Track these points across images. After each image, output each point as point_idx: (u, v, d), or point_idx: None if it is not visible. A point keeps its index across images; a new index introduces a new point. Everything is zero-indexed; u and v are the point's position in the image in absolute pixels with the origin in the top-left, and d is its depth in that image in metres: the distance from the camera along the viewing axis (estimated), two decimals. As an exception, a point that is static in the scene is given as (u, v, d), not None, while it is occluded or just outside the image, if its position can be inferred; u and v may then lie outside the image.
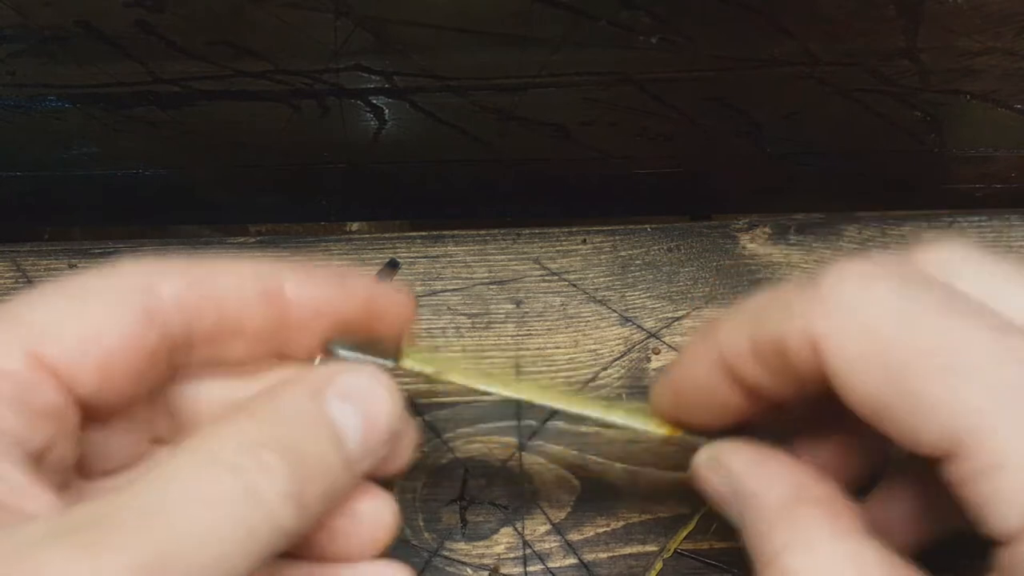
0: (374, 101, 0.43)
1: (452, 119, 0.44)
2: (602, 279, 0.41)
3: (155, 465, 0.22)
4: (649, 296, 0.41)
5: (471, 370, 0.30)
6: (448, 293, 0.41)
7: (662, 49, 0.39)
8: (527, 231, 0.42)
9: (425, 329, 0.40)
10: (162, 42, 0.39)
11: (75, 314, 0.24)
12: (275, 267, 0.27)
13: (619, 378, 0.39)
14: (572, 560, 0.35)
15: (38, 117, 0.43)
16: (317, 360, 0.28)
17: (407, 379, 0.30)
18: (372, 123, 0.44)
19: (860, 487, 0.29)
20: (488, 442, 0.37)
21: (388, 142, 0.45)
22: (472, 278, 0.41)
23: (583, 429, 0.37)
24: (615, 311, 0.40)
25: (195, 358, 0.27)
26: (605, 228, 0.43)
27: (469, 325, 0.40)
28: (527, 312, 0.40)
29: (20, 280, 0.41)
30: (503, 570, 0.35)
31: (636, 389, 0.38)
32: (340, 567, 0.27)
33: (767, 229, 0.42)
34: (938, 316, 0.23)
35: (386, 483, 0.28)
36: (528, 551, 0.35)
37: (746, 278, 0.41)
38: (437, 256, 0.42)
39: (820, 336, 0.24)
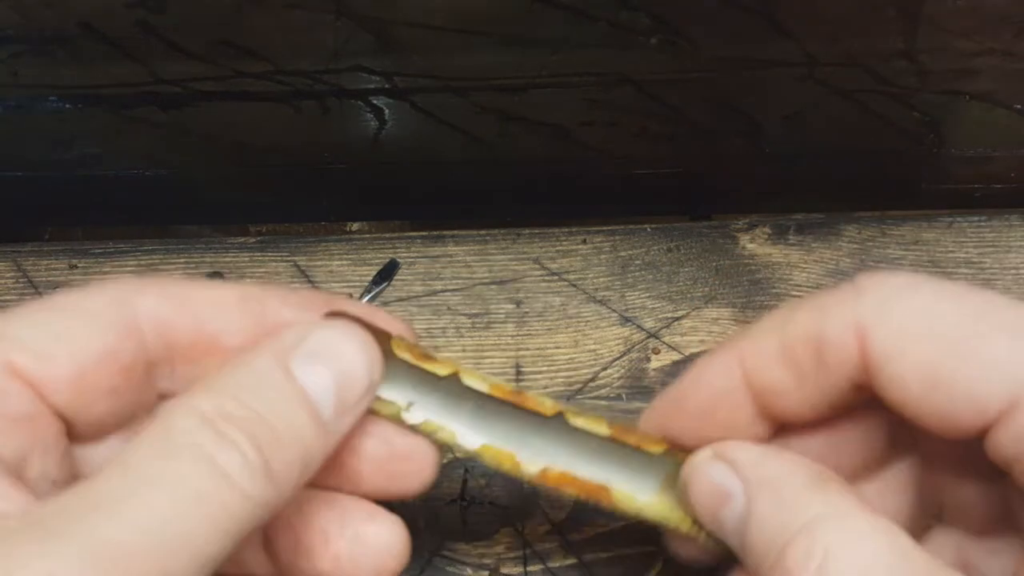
0: (374, 102, 0.43)
1: (452, 120, 0.44)
2: (602, 279, 0.41)
3: (119, 452, 0.22)
4: (649, 296, 0.41)
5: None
6: (448, 293, 0.41)
7: (662, 50, 0.40)
8: (527, 231, 0.42)
9: (425, 329, 0.40)
10: (163, 43, 0.39)
11: (50, 325, 0.24)
12: (256, 287, 0.27)
13: (619, 378, 0.39)
14: (572, 560, 0.35)
15: (40, 118, 0.43)
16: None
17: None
18: (372, 124, 0.44)
19: None
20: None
21: (388, 142, 0.45)
22: (472, 278, 0.41)
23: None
24: (615, 311, 0.40)
25: (178, 375, 0.27)
26: (605, 228, 0.43)
27: (469, 325, 0.40)
28: (527, 312, 0.40)
29: (21, 280, 0.41)
30: (503, 570, 0.35)
31: (636, 389, 0.39)
32: None
33: (767, 229, 0.42)
34: (985, 295, 0.24)
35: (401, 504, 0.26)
36: (528, 551, 0.35)
37: (746, 278, 0.41)
38: (437, 256, 0.42)
39: (868, 321, 0.25)
